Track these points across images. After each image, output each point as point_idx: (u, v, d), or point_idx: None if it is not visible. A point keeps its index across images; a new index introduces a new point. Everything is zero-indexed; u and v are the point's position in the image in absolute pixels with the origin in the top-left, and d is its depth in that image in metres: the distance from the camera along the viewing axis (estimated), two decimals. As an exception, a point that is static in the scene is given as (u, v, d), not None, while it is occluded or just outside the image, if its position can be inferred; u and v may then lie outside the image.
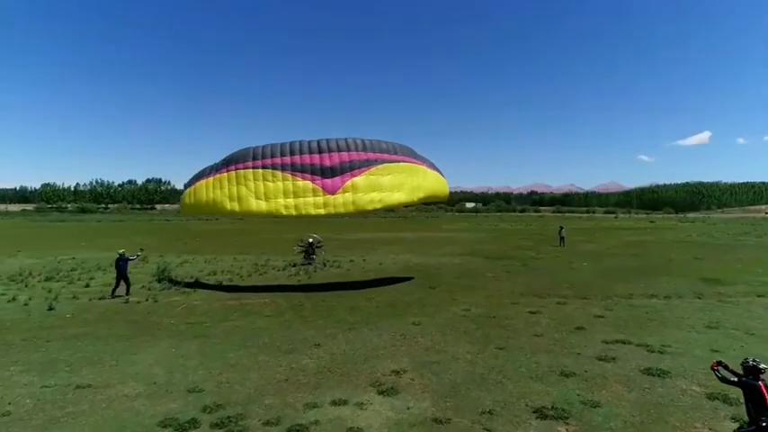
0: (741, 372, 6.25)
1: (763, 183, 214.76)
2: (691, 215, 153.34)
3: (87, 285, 20.08)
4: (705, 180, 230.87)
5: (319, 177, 17.64)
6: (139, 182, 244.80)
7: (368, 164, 18.19)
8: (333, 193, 17.64)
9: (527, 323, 14.43)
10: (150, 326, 13.98)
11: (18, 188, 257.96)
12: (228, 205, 17.96)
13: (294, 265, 26.43)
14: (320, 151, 17.97)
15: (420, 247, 39.44)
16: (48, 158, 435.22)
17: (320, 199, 17.59)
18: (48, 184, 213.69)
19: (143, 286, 19.67)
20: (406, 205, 19.87)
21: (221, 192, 18.05)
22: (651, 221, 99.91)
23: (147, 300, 17.25)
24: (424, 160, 20.61)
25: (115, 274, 18.09)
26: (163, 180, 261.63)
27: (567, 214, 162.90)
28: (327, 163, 17.80)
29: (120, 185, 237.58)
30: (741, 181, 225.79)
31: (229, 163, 18.45)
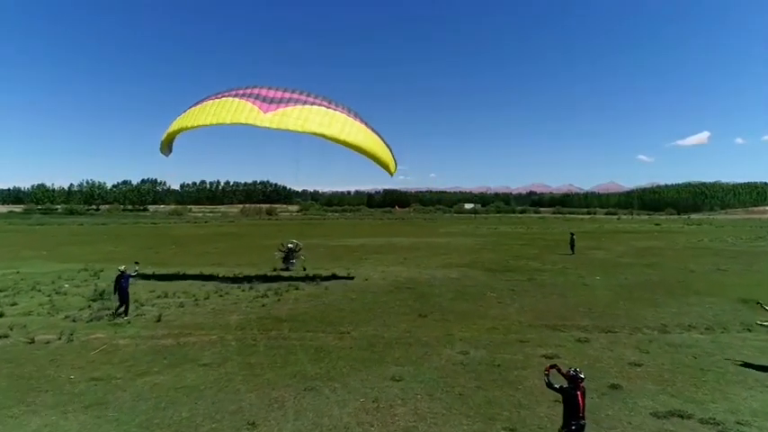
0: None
1: (766, 183, 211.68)
2: (694, 216, 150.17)
3: (1, 315, 16.41)
4: (704, 180, 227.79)
5: (260, 102, 20.93)
6: (135, 182, 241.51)
7: (304, 103, 21.27)
8: (266, 112, 20.57)
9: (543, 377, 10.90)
10: (40, 383, 10.42)
11: (11, 188, 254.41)
12: (184, 122, 22.07)
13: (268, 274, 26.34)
14: (269, 88, 21.82)
15: (413, 256, 35.89)
16: (47, 159, 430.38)
17: (254, 113, 20.54)
18: (41, 185, 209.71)
19: (66, 316, 16.08)
20: (327, 138, 21.14)
21: (184, 115, 22.59)
22: (656, 224, 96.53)
23: (60, 337, 13.66)
24: (373, 130, 23.38)
25: (117, 294, 16.33)
26: (158, 180, 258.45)
27: (568, 215, 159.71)
28: (270, 95, 21.35)
29: (114, 186, 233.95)
30: (740, 181, 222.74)
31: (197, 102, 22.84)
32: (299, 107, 20.87)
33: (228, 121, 20.60)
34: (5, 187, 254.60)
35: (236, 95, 21.40)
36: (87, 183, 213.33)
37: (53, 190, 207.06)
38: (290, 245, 29.26)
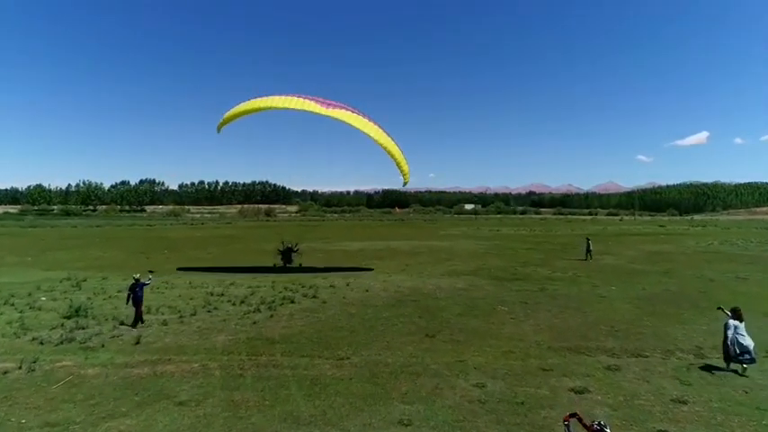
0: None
1: None
2: (697, 217, 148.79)
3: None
4: (703, 180, 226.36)
5: (321, 101, 26.35)
6: (133, 183, 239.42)
7: (352, 111, 26.92)
8: (327, 107, 26.02)
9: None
10: (-16, 430, 8.83)
11: (9, 189, 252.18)
12: (256, 104, 26.64)
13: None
14: (325, 98, 27.09)
15: (415, 262, 34.29)
16: (46, 159, 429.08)
17: (317, 107, 25.76)
18: (38, 185, 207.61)
19: (34, 338, 14.44)
20: (368, 135, 26.39)
21: (252, 101, 26.97)
22: (661, 225, 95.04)
23: (20, 365, 12.02)
24: (395, 141, 28.07)
25: (131, 303, 16.04)
26: (157, 181, 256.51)
27: (570, 216, 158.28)
28: (326, 101, 26.67)
29: (112, 186, 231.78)
30: (739, 181, 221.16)
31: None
32: (349, 112, 26.70)
33: (299, 108, 25.77)
34: (3, 188, 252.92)
35: (298, 95, 26.39)
36: (84, 183, 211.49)
37: (50, 191, 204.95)
38: (289, 245, 32.07)
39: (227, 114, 27.65)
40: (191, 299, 20.41)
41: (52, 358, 12.70)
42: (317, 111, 25.61)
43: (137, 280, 16.26)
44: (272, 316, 17.63)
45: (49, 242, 50.39)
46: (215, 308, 18.74)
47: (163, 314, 17.59)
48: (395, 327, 16.37)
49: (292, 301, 20.05)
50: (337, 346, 14.02)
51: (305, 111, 25.65)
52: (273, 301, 19.95)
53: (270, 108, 26.48)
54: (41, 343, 13.99)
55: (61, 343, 14.02)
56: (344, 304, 19.86)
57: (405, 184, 29.79)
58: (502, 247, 46.59)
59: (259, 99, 26.70)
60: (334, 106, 26.37)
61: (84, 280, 25.24)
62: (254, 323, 16.66)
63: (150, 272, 17.56)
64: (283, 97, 26.24)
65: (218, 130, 28.58)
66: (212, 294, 21.38)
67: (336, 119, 25.95)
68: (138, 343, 14.10)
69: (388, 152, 27.25)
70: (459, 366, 12.37)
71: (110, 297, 20.61)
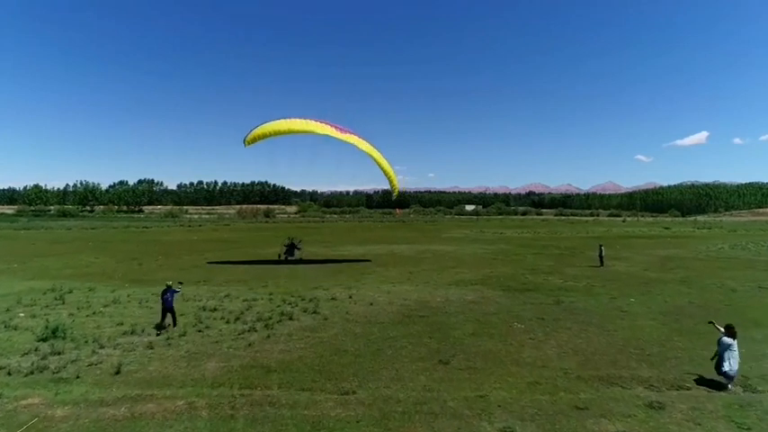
0: None
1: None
2: (700, 219, 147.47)
3: None
4: (702, 180, 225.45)
5: (337, 126, 32.11)
6: (132, 183, 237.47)
7: (359, 136, 33.19)
8: (342, 132, 32.14)
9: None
10: None
11: (7, 189, 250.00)
12: (283, 126, 31.03)
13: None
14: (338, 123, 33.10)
15: (420, 270, 32.79)
16: (46, 159, 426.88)
17: (333, 131, 31.60)
18: (36, 186, 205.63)
19: (2, 367, 12.90)
20: (371, 156, 33.57)
21: (276, 123, 31.33)
22: (666, 227, 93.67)
23: (-21, 405, 10.52)
24: (388, 162, 35.43)
25: (161, 308, 17.12)
26: (155, 181, 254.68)
27: (571, 217, 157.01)
28: (339, 126, 32.67)
29: (110, 186, 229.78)
30: (738, 181, 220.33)
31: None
32: (356, 136, 32.90)
33: (319, 132, 31.11)
34: (1, 188, 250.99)
35: (316, 120, 31.73)
36: (81, 184, 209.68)
37: (47, 191, 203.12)
38: (293, 241, 38.14)
39: (256, 132, 31.17)
40: (181, 315, 18.85)
41: (18, 394, 11.17)
42: (334, 135, 31.41)
43: (168, 287, 17.10)
44: (268, 336, 16.11)
45: (40, 246, 48.79)
46: (207, 326, 17.20)
47: (149, 335, 16.05)
48: (404, 349, 14.87)
49: (291, 318, 18.52)
50: (341, 376, 12.52)
51: (324, 135, 31.12)
52: (271, 318, 18.43)
53: (294, 132, 31.26)
54: (9, 373, 12.45)
55: (32, 373, 12.49)
56: (348, 321, 18.35)
57: (395, 197, 40.32)
58: (508, 252, 45.11)
59: (284, 122, 31.22)
60: (347, 132, 32.61)
61: (70, 291, 23.70)
62: (249, 345, 15.15)
63: (180, 283, 19.54)
64: (304, 121, 31.16)
65: (246, 144, 31.78)
66: (205, 309, 19.84)
67: (350, 143, 32.24)
68: (117, 372, 12.57)
69: (385, 172, 35.27)
70: (480, 403, 10.87)
71: (94, 313, 19.06)
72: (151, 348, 14.67)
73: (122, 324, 17.35)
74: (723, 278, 29.73)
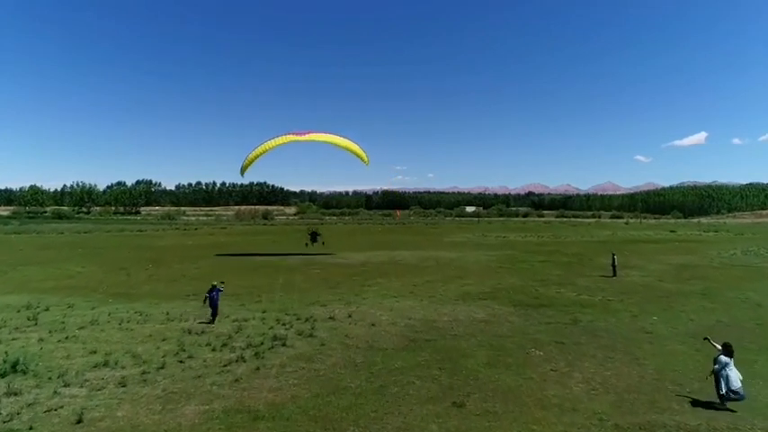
0: None
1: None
2: (703, 221, 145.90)
3: None
4: (701, 180, 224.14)
5: (296, 133, 39.78)
6: (130, 183, 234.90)
7: (314, 131, 40.69)
8: (301, 134, 39.71)
9: None
10: None
11: (3, 190, 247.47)
12: (260, 149, 39.18)
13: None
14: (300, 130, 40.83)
15: (423, 281, 31.01)
16: (45, 159, 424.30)
17: (293, 137, 39.14)
18: (32, 186, 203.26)
19: (-56, 415, 11.10)
20: (332, 143, 40.28)
21: (255, 149, 39.60)
22: (672, 231, 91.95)
23: None
24: (348, 138, 42.23)
25: (209, 304, 19.45)
26: (153, 181, 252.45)
27: (573, 219, 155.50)
28: (301, 131, 40.50)
29: (108, 187, 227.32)
30: (738, 181, 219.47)
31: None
32: (314, 132, 40.03)
33: (283, 142, 38.75)
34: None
35: (284, 134, 39.22)
36: (78, 185, 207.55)
37: (44, 192, 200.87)
38: (314, 230, 48.59)
39: (245, 162, 39.89)
40: (162, 340, 17.09)
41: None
42: (295, 140, 38.98)
43: (214, 286, 19.69)
44: (258, 369, 14.30)
45: (27, 253, 46.90)
46: (190, 355, 15.39)
47: (123, 368, 14.23)
48: (411, 386, 13.09)
49: (284, 344, 16.71)
50: (340, 425, 10.74)
51: (288, 143, 38.89)
52: (262, 343, 16.63)
53: (270, 149, 39.02)
54: (-49, 423, 10.66)
55: (-21, 423, 10.69)
56: (347, 347, 16.56)
57: (367, 163, 43.93)
58: (514, 260, 43.32)
59: (261, 146, 39.25)
60: (306, 133, 39.62)
61: (47, 309, 21.91)
62: (236, 380, 13.35)
63: (222, 282, 21.16)
64: (273, 140, 38.88)
65: (242, 174, 41.64)
66: (190, 333, 18.04)
67: (311, 141, 39.60)
68: (79, 421, 10.77)
69: (349, 150, 41.52)
70: (506, 466, 9.10)
71: (66, 338, 17.22)
72: (123, 386, 12.86)
73: (95, 352, 15.53)
74: (745, 290, 28.04)
